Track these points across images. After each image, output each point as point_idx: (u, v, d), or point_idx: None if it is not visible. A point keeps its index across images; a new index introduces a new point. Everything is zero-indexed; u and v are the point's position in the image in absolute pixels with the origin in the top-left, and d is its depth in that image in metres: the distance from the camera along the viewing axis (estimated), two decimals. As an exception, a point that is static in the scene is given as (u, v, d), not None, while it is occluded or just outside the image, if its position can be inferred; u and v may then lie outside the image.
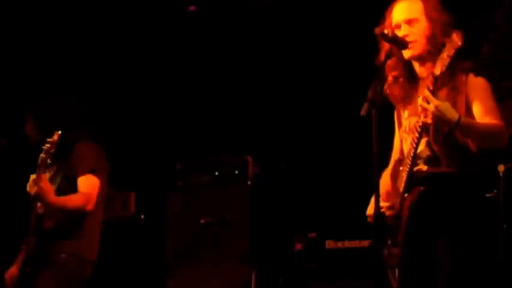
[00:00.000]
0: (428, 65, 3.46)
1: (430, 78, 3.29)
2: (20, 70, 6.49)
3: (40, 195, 4.34)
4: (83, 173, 4.49)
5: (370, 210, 3.50)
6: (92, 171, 4.51)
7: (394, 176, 3.57)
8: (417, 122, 3.37)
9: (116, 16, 6.56)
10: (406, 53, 3.47)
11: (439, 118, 3.26)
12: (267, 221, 5.89)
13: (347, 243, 5.37)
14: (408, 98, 3.56)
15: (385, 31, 3.41)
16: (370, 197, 3.49)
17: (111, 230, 5.06)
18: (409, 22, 3.47)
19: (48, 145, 4.31)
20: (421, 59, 3.48)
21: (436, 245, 3.37)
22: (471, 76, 3.43)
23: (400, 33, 3.45)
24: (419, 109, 3.31)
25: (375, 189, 3.16)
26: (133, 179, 6.41)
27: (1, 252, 4.95)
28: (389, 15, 3.53)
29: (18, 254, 4.70)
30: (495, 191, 4.59)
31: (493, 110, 3.41)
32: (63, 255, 4.46)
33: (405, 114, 3.59)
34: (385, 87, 3.51)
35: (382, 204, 3.47)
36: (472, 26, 3.46)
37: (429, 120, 3.28)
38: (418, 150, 3.41)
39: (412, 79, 3.54)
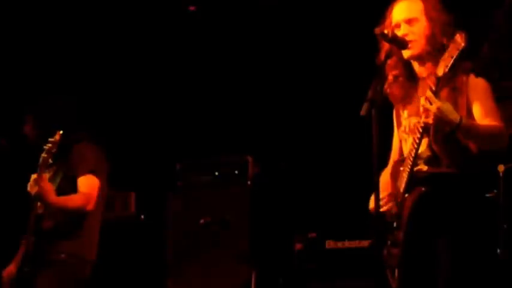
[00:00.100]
0: (428, 64, 3.46)
1: (432, 78, 3.29)
2: (20, 70, 6.49)
3: (41, 195, 4.34)
4: (83, 173, 4.49)
5: (373, 204, 3.49)
6: (92, 172, 4.51)
7: (395, 176, 3.56)
8: (418, 122, 3.37)
9: (116, 16, 6.56)
10: (406, 53, 3.47)
11: (440, 119, 3.26)
12: (267, 221, 5.88)
13: (347, 243, 5.36)
14: (408, 98, 3.56)
15: (385, 31, 3.41)
16: (370, 197, 3.50)
17: (111, 230, 5.06)
18: (409, 22, 3.47)
19: (49, 145, 4.31)
20: (421, 58, 3.48)
21: (436, 245, 3.37)
22: (472, 77, 3.43)
23: (399, 33, 3.45)
24: (421, 109, 3.31)
25: (374, 189, 3.16)
26: (133, 179, 6.41)
27: (1, 252, 4.94)
28: (389, 14, 3.53)
29: (16, 253, 4.71)
30: (495, 191, 4.59)
31: (493, 111, 3.41)
32: (63, 255, 4.46)
33: (405, 114, 3.59)
34: (385, 86, 3.51)
35: (382, 203, 3.47)
36: (472, 26, 3.45)
37: (430, 121, 3.28)
38: (419, 151, 3.40)
39: (411, 79, 3.54)
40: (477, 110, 3.40)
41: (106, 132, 5.77)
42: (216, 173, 6.03)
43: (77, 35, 6.59)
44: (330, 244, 5.40)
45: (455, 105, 3.35)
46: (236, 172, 5.96)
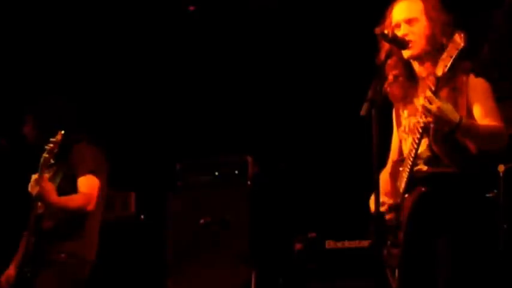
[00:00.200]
0: (428, 64, 3.46)
1: (432, 78, 3.29)
2: (20, 70, 6.49)
3: (42, 195, 4.34)
4: (83, 174, 4.50)
5: (373, 204, 3.49)
6: (92, 172, 4.51)
7: (394, 176, 3.57)
8: (418, 122, 3.37)
9: (115, 16, 6.56)
10: (406, 53, 3.47)
11: (440, 118, 3.26)
12: (267, 221, 5.88)
13: (347, 243, 5.36)
14: (408, 98, 3.56)
15: (385, 31, 3.41)
16: (370, 197, 3.50)
17: (111, 230, 5.07)
18: (409, 21, 3.47)
19: (51, 145, 4.31)
20: (420, 58, 3.48)
21: (436, 245, 3.37)
22: (472, 77, 3.43)
23: (399, 33, 3.45)
24: (421, 109, 3.31)
25: (374, 189, 3.16)
26: (133, 179, 6.41)
27: (1, 252, 4.94)
28: (389, 14, 3.53)
29: (15, 253, 4.71)
30: (495, 191, 4.59)
31: (493, 111, 3.41)
32: (63, 256, 4.46)
33: (404, 114, 3.59)
34: (385, 85, 3.51)
35: (382, 201, 3.47)
36: (472, 26, 3.45)
37: (430, 119, 3.27)
38: (419, 151, 3.41)
39: (411, 79, 3.54)
40: (477, 110, 3.40)
41: (106, 132, 5.77)
42: (216, 173, 6.03)
43: (76, 35, 6.59)
44: (330, 244, 5.40)
45: (455, 105, 3.35)
46: (236, 172, 5.96)
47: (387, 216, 3.51)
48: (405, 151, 3.51)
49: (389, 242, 3.50)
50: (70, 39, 6.58)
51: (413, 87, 3.53)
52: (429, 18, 3.45)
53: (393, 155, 3.71)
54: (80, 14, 6.50)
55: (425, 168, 3.44)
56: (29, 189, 4.38)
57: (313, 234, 5.46)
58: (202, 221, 5.82)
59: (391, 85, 3.54)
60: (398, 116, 3.65)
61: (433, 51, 3.41)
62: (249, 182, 5.89)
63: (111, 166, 4.71)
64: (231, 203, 5.83)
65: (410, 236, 3.41)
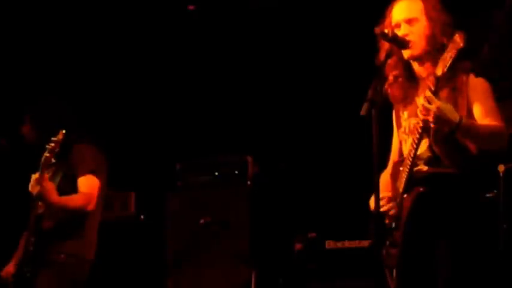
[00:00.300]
0: (427, 64, 3.46)
1: (432, 78, 3.29)
2: (20, 70, 6.49)
3: (43, 195, 4.34)
4: (83, 174, 4.50)
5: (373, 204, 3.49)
6: (92, 172, 4.51)
7: (394, 176, 3.56)
8: (417, 123, 3.37)
9: (115, 16, 6.56)
10: (406, 53, 3.46)
11: (440, 119, 3.25)
12: (267, 221, 5.88)
13: (347, 243, 5.36)
14: (408, 99, 3.56)
15: (385, 30, 3.41)
16: (370, 197, 3.49)
17: (111, 230, 5.07)
18: (409, 21, 3.46)
19: (52, 144, 4.31)
20: (420, 59, 3.48)
21: (436, 246, 3.37)
22: (472, 76, 3.43)
23: (400, 33, 3.44)
24: (420, 109, 3.30)
25: (375, 189, 3.15)
26: (133, 179, 6.41)
27: (1, 253, 4.94)
28: (389, 14, 3.53)
29: (15, 251, 4.71)
30: (495, 191, 4.59)
31: (493, 110, 3.40)
32: (62, 256, 4.46)
33: (405, 115, 3.58)
34: (386, 86, 3.51)
35: (382, 196, 3.47)
36: (472, 26, 3.45)
37: (430, 119, 3.27)
38: (419, 152, 3.41)
39: (411, 79, 3.53)
40: (477, 110, 3.39)
41: (106, 132, 5.77)
42: (216, 173, 6.03)
43: (76, 35, 6.59)
44: (330, 244, 5.40)
45: (455, 105, 3.35)
46: (236, 172, 5.96)
47: (385, 208, 3.50)
48: (405, 152, 3.51)
49: (388, 242, 3.50)
50: (70, 39, 6.58)
51: (414, 88, 3.53)
52: (429, 18, 3.45)
53: (394, 156, 3.70)
54: (80, 14, 6.50)
55: (425, 168, 3.44)
56: (30, 189, 4.38)
57: (313, 234, 5.46)
58: (202, 221, 5.81)
59: (391, 86, 3.54)
60: (398, 117, 3.64)
61: (433, 51, 3.41)
62: (249, 182, 5.88)
63: (111, 166, 4.71)
64: (231, 203, 5.83)
65: (408, 236, 3.41)
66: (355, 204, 3.96)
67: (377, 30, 3.41)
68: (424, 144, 3.42)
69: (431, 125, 3.30)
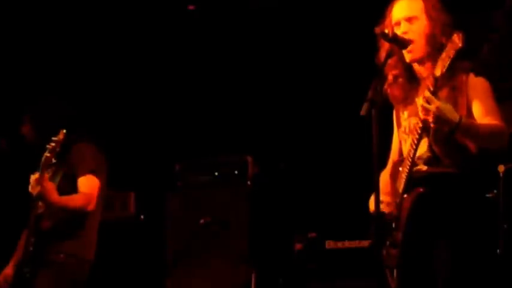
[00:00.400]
0: (428, 64, 3.46)
1: (431, 78, 3.29)
2: (20, 70, 6.48)
3: (43, 195, 4.34)
4: (83, 174, 4.50)
5: (373, 204, 3.49)
6: (92, 172, 4.51)
7: (394, 176, 3.56)
8: (417, 123, 3.37)
9: (115, 16, 6.56)
10: (407, 56, 3.46)
11: (439, 118, 3.25)
12: (267, 221, 5.88)
13: (347, 243, 5.36)
14: (408, 99, 3.56)
15: (386, 30, 3.40)
16: (370, 197, 3.49)
17: (111, 230, 5.06)
18: (409, 20, 3.46)
19: (53, 144, 4.31)
20: (421, 59, 3.48)
21: (436, 246, 3.36)
22: (471, 76, 3.43)
23: (399, 31, 3.44)
24: (420, 109, 3.30)
25: (374, 189, 3.15)
26: (132, 179, 6.41)
27: (1, 253, 4.94)
28: (390, 13, 3.52)
29: (14, 253, 4.71)
30: (495, 191, 4.59)
31: (493, 110, 3.40)
32: (62, 256, 4.46)
33: (405, 115, 3.58)
34: (385, 86, 3.51)
35: (383, 200, 3.47)
36: (472, 26, 3.45)
37: (430, 119, 3.27)
38: (419, 152, 3.40)
39: (411, 79, 3.53)
40: (477, 109, 3.39)
41: (105, 132, 5.77)
42: (216, 173, 6.03)
43: (76, 35, 6.59)
44: (330, 244, 5.40)
45: (455, 104, 3.34)
46: (236, 172, 5.96)
47: (385, 210, 3.51)
48: (405, 152, 3.51)
49: (388, 242, 3.49)
50: (70, 39, 6.58)
51: (414, 88, 3.52)
52: (429, 17, 3.45)
53: (393, 156, 3.70)
54: (80, 14, 6.50)
55: (424, 168, 3.44)
56: (30, 189, 4.37)
57: (313, 234, 5.46)
58: (202, 221, 5.81)
59: (391, 86, 3.54)
60: (398, 117, 3.64)
61: (433, 51, 3.40)
62: (249, 182, 5.88)
63: (111, 166, 4.71)
64: (231, 203, 5.83)
65: (408, 236, 3.41)
66: (355, 204, 3.96)
67: (377, 30, 3.41)
68: (424, 144, 3.42)
69: (431, 125, 3.30)
